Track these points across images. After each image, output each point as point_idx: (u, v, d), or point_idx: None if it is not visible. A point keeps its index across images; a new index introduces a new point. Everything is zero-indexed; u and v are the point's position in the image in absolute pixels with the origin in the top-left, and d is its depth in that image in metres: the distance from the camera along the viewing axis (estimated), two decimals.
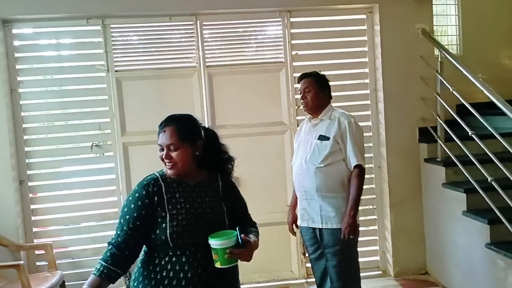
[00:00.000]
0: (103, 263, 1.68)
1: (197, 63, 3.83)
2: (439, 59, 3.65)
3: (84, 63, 3.75)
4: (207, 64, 3.84)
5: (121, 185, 3.80)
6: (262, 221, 3.87)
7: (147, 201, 1.71)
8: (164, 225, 1.67)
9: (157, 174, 1.81)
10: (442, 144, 3.58)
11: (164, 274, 1.66)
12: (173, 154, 1.73)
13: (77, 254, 3.80)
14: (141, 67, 3.79)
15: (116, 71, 3.74)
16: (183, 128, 1.76)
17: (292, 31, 3.89)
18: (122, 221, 1.72)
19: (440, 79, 3.60)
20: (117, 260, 1.68)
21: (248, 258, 1.68)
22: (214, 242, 1.62)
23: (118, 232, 1.72)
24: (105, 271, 1.66)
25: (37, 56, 3.73)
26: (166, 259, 1.67)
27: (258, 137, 3.94)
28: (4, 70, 3.56)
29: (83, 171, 3.83)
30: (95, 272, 1.67)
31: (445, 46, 3.84)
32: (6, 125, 3.53)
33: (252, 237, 1.76)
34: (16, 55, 3.63)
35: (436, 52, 3.76)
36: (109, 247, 1.71)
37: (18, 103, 3.64)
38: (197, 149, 1.77)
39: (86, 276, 3.84)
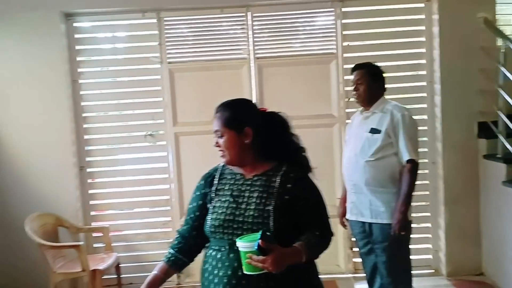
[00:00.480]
0: (171, 250, 1.72)
1: (247, 54, 3.85)
2: (502, 50, 3.43)
3: (139, 55, 3.89)
4: (257, 55, 3.85)
5: (172, 173, 3.93)
6: None
7: (203, 191, 1.70)
8: (208, 217, 1.63)
9: (220, 165, 1.73)
10: (503, 140, 3.38)
11: (206, 266, 1.63)
12: (220, 141, 1.64)
13: (131, 238, 3.98)
14: (193, 59, 3.87)
15: (169, 62, 3.84)
16: (227, 114, 1.63)
17: (344, 21, 3.80)
18: (187, 210, 1.75)
19: (503, 71, 3.39)
20: (183, 248, 1.69)
21: (271, 268, 1.37)
22: (238, 243, 1.44)
23: (184, 221, 1.74)
24: (172, 258, 1.70)
25: (96, 49, 3.91)
26: (209, 252, 1.64)
27: (307, 130, 3.87)
28: (66, 62, 3.76)
29: (137, 159, 3.99)
30: (164, 258, 1.72)
31: (509, 36, 3.60)
32: (68, 114, 3.75)
33: (286, 248, 1.44)
34: (77, 47, 3.82)
35: (499, 42, 3.54)
36: (177, 235, 1.75)
37: (78, 93, 3.85)
38: (246, 137, 1.60)
39: (139, 259, 4.07)
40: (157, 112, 3.91)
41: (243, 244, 1.42)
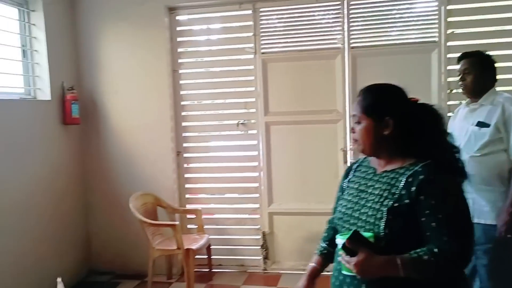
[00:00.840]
0: (322, 243, 1.74)
1: (341, 44, 3.78)
2: None
3: (234, 46, 4.01)
4: (352, 45, 3.76)
5: (262, 162, 4.02)
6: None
7: (342, 181, 1.68)
8: (336, 209, 1.61)
9: (365, 156, 1.62)
10: None
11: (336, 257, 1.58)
12: (356, 128, 1.51)
13: (222, 221, 4.16)
14: (286, 49, 3.90)
15: (262, 53, 3.91)
16: (369, 100, 1.49)
17: (449, 7, 3.55)
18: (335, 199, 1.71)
19: None
20: (332, 239, 1.62)
21: (355, 270, 1.33)
22: (336, 240, 1.41)
23: (332, 210, 1.71)
24: (324, 251, 1.72)
25: (194, 40, 4.11)
26: None
27: None
28: (168, 53, 4.01)
29: (229, 147, 4.15)
30: (317, 251, 1.76)
31: None
32: (169, 102, 4.00)
33: (379, 255, 1.32)
34: (178, 39, 4.05)
35: None
36: (326, 226, 1.77)
37: (178, 82, 4.08)
38: (385, 128, 1.45)
39: (229, 242, 4.23)
40: (249, 101, 4.01)
41: (339, 241, 1.39)
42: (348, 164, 3.83)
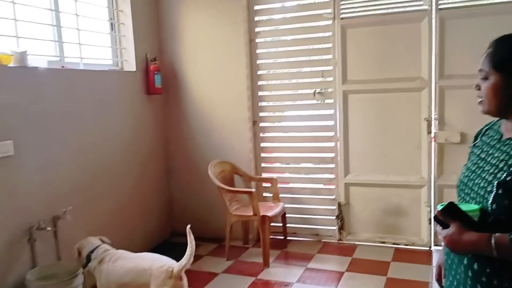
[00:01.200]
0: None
1: (428, 5, 3.51)
2: None
3: (312, 12, 3.90)
4: (440, 6, 3.49)
5: (338, 131, 3.94)
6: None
7: (471, 145, 1.54)
8: None
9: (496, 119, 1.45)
10: None
11: None
12: (482, 84, 1.33)
13: (296, 191, 4.18)
14: (367, 13, 3.72)
15: (341, 18, 3.77)
16: (502, 52, 1.28)
17: None
18: None
19: None
20: None
21: (445, 242, 1.25)
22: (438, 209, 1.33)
23: None
24: None
25: (271, 8, 4.05)
26: None
27: None
28: (245, 22, 4.01)
29: (305, 116, 4.10)
30: None
31: None
32: (245, 72, 4.03)
33: (470, 231, 1.21)
34: (255, 7, 4.03)
35: None
36: None
37: (255, 52, 4.09)
38: None
39: (304, 211, 4.24)
40: (327, 70, 3.91)
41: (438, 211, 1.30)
42: (432, 135, 3.64)
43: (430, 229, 3.77)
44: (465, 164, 1.46)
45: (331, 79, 3.91)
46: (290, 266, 3.61)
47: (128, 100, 3.80)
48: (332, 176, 4.04)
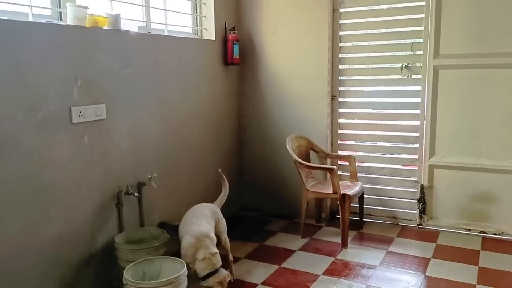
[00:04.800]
0: None
1: None
2: None
3: None
4: None
5: (426, 109, 3.67)
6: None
7: None
8: None
9: None
10: None
11: None
12: None
13: (375, 171, 3.98)
14: None
15: None
16: None
17: None
18: None
19: None
20: None
21: None
22: None
23: None
24: None
25: None
26: None
27: None
28: None
29: (389, 92, 3.86)
30: None
31: None
32: (327, 44, 3.84)
33: None
34: None
35: None
36: None
37: (338, 22, 3.87)
38: None
39: (382, 193, 4.06)
40: (417, 42, 3.63)
41: None
42: None
43: None
44: None
45: (420, 52, 3.63)
46: (369, 248, 3.45)
47: (207, 70, 3.72)
48: (416, 156, 3.79)
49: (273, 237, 3.69)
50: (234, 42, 3.89)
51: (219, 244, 2.81)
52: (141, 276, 2.42)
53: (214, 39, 3.78)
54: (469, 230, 3.68)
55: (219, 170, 3.04)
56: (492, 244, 3.47)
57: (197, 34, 3.81)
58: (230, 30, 3.90)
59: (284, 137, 3.86)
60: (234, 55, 3.90)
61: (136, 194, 2.85)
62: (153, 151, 3.12)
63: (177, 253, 2.62)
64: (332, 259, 3.25)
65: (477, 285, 2.79)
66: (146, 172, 2.98)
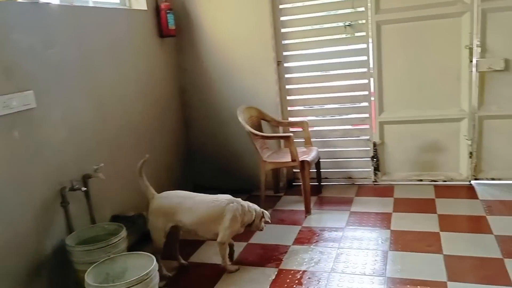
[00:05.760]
0: None
1: None
2: None
3: None
4: None
5: (372, 67, 3.66)
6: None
7: None
8: None
9: None
10: None
11: None
12: None
13: (327, 134, 3.95)
14: None
15: None
16: None
17: None
18: None
19: None
20: None
21: None
22: None
23: None
24: None
25: None
26: None
27: None
28: None
29: (334, 53, 3.79)
30: None
31: None
32: (267, 7, 3.64)
33: None
34: None
35: None
36: None
37: None
38: None
39: (335, 155, 4.03)
40: None
41: None
42: (474, 64, 3.41)
43: (470, 163, 3.63)
44: None
45: (362, 9, 3.58)
46: (332, 212, 3.43)
47: (141, 44, 3.39)
48: (366, 115, 3.80)
49: None
50: (168, 11, 3.57)
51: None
52: (104, 278, 2.17)
53: (145, 8, 3.44)
54: (421, 180, 3.79)
55: (146, 156, 2.69)
56: (444, 191, 3.60)
57: (126, 4, 3.44)
58: None
59: (232, 110, 3.68)
60: (169, 26, 3.59)
61: (83, 188, 2.54)
62: (95, 139, 2.80)
63: (139, 247, 2.40)
64: (299, 227, 3.18)
65: (441, 232, 2.87)
66: (90, 163, 2.66)
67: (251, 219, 2.67)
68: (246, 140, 3.64)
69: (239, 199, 2.67)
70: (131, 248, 2.58)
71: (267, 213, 2.78)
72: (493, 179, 3.64)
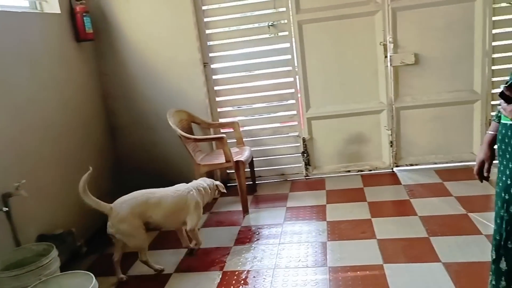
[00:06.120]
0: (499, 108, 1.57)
1: None
2: None
3: None
4: None
5: (296, 65, 3.77)
6: (443, 100, 3.71)
7: None
8: None
9: None
10: None
11: None
12: None
13: (258, 133, 3.99)
14: None
15: None
16: None
17: None
18: None
19: None
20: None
21: (508, 116, 1.41)
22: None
23: None
24: (499, 113, 1.59)
25: None
26: None
27: (440, 7, 3.54)
28: None
29: (259, 52, 3.84)
30: (494, 118, 1.65)
31: None
32: (190, 8, 3.60)
33: None
34: None
35: None
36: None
37: None
38: None
39: (268, 153, 4.09)
40: None
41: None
42: (388, 59, 3.66)
43: (391, 152, 3.89)
44: None
45: (283, 9, 3.68)
46: (269, 209, 3.48)
47: (58, 50, 3.16)
48: (294, 112, 3.91)
49: None
50: (84, 14, 3.37)
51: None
52: None
53: (59, 12, 3.22)
54: (349, 171, 3.99)
55: (90, 168, 2.53)
56: (370, 179, 3.83)
57: (37, 8, 3.19)
58: (77, 0, 3.37)
59: (161, 115, 3.60)
60: (86, 29, 3.39)
61: (4, 209, 2.31)
62: (14, 153, 2.56)
63: (72, 265, 2.23)
64: (238, 228, 3.19)
65: (372, 219, 3.05)
66: (10, 180, 2.43)
67: (211, 197, 2.90)
68: (177, 144, 3.56)
69: (197, 182, 2.86)
70: (64, 268, 2.40)
71: (220, 184, 2.96)
72: (411, 165, 3.94)
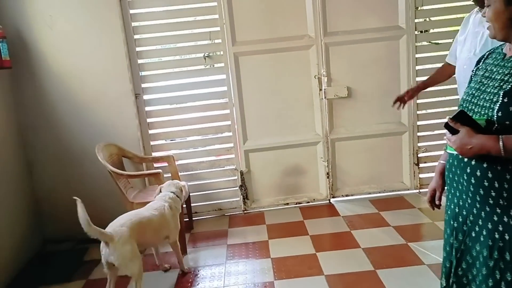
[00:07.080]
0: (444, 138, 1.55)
1: None
2: None
3: None
4: None
5: (233, 97, 3.71)
6: (374, 132, 3.85)
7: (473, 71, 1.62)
8: None
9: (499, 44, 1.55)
10: None
11: None
12: (487, 11, 1.44)
13: (193, 166, 3.82)
14: None
15: None
16: None
17: None
18: None
19: None
20: None
21: (455, 146, 1.37)
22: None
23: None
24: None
25: None
26: None
27: (368, 44, 3.72)
28: None
29: (195, 84, 3.71)
30: (445, 147, 1.60)
31: None
32: (121, 36, 3.41)
33: (479, 134, 1.32)
34: None
35: None
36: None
37: (128, 12, 3.47)
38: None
39: (205, 188, 3.93)
40: (214, 31, 3.60)
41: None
42: (323, 92, 3.74)
43: (328, 183, 3.93)
44: (467, 87, 1.57)
45: (219, 41, 3.63)
46: (209, 247, 3.29)
47: None
48: (231, 145, 3.81)
49: (100, 267, 3.10)
50: (0, 39, 3.03)
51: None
52: None
53: None
54: (287, 204, 3.95)
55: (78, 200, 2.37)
56: (309, 211, 3.81)
57: None
58: None
59: (88, 149, 3.31)
60: (2, 56, 3.05)
61: None
62: None
63: None
64: (177, 271, 2.95)
65: (317, 253, 2.99)
66: None
67: (183, 200, 2.97)
68: (106, 181, 3.28)
69: (165, 193, 2.84)
70: None
71: (184, 184, 3.00)
72: (347, 195, 4.00)
